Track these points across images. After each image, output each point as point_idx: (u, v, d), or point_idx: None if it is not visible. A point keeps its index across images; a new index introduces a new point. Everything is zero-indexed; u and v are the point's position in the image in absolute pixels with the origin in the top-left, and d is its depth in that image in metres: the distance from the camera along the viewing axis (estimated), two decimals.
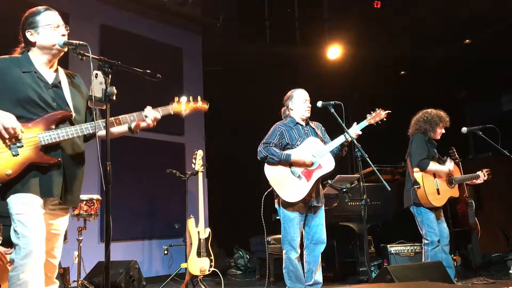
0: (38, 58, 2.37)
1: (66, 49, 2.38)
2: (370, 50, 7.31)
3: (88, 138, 2.52)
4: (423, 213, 4.23)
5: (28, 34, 2.35)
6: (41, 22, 2.34)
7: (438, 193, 4.22)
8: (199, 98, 2.62)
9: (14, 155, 2.16)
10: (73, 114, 2.36)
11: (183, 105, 2.54)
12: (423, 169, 4.22)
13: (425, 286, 3.19)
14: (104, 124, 2.30)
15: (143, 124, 2.47)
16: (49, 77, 2.38)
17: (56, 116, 2.28)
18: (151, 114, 2.44)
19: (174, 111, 2.53)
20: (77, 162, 2.39)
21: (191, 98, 2.59)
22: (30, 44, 2.36)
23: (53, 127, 2.26)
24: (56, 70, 2.44)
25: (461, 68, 7.57)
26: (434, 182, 4.25)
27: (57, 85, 2.38)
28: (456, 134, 4.52)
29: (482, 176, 4.43)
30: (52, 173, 2.25)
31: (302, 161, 3.55)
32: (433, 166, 4.23)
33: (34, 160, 2.20)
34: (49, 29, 2.33)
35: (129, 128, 2.50)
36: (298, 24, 7.68)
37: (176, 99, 2.53)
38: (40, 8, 2.39)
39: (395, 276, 3.32)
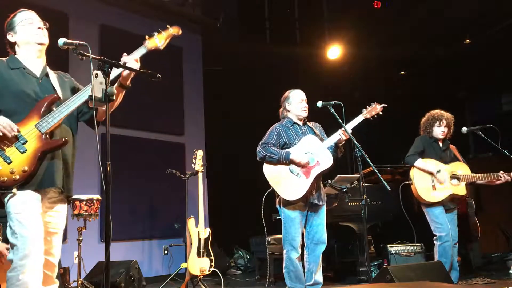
0: (23, 57, 2.42)
1: (46, 42, 2.42)
2: (370, 50, 7.31)
3: (90, 121, 2.47)
4: (428, 210, 4.26)
5: (9, 37, 2.44)
6: (16, 21, 2.43)
7: (434, 189, 4.22)
8: (168, 25, 2.53)
9: (22, 153, 2.18)
10: (61, 97, 2.38)
11: (156, 38, 2.46)
12: (408, 163, 4.33)
13: (425, 286, 3.19)
14: (89, 93, 2.22)
15: (126, 73, 2.36)
16: (37, 71, 2.43)
17: (44, 102, 2.30)
18: (129, 59, 2.35)
19: (150, 47, 2.46)
20: (71, 149, 2.42)
21: (159, 29, 2.51)
22: (13, 46, 2.44)
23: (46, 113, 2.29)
24: (44, 67, 2.48)
25: (461, 68, 7.57)
26: (430, 178, 4.25)
27: (44, 77, 2.43)
28: (456, 134, 4.52)
29: (505, 177, 4.25)
30: (54, 162, 2.28)
31: (298, 162, 3.56)
32: (419, 163, 4.25)
33: (44, 148, 2.23)
34: (23, 25, 2.41)
35: (120, 85, 2.40)
36: (298, 24, 7.67)
37: (147, 36, 2.47)
38: (18, 10, 2.48)
39: (395, 276, 3.33)
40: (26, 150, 2.19)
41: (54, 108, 2.31)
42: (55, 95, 2.36)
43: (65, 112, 2.29)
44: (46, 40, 2.43)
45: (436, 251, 4.22)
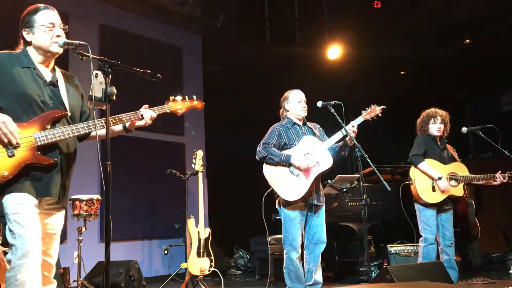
0: (35, 57, 2.36)
1: (61, 51, 2.36)
2: (370, 50, 7.32)
3: (81, 138, 2.51)
4: (421, 210, 4.26)
5: (25, 33, 2.35)
6: (37, 22, 2.33)
7: (434, 190, 4.21)
8: (194, 97, 2.65)
9: (10, 156, 2.13)
10: (69, 114, 2.35)
11: (178, 104, 2.58)
12: (413, 164, 4.29)
13: (425, 286, 3.19)
14: (100, 124, 2.32)
15: (139, 123, 2.50)
16: (47, 75, 2.37)
17: (52, 116, 2.27)
18: (147, 114, 2.48)
19: (170, 109, 2.57)
20: (70, 161, 2.38)
21: (186, 97, 2.62)
22: (27, 43, 2.36)
23: (49, 126, 2.24)
24: (53, 70, 2.43)
25: (461, 68, 7.57)
26: (430, 179, 4.24)
27: (54, 84, 2.37)
28: (456, 134, 4.52)
29: (500, 178, 4.27)
30: (51, 173, 2.24)
31: (298, 166, 3.56)
32: (424, 166, 4.21)
33: (31, 160, 2.18)
34: (43, 30, 2.32)
35: (124, 127, 2.52)
36: (298, 24, 7.67)
37: (172, 97, 2.57)
38: (39, 6, 2.38)
39: (395, 276, 3.32)
40: (14, 155, 2.14)
41: (57, 125, 2.28)
42: (65, 111, 2.32)
43: (67, 135, 2.26)
44: (62, 49, 2.35)
45: (420, 253, 4.22)
